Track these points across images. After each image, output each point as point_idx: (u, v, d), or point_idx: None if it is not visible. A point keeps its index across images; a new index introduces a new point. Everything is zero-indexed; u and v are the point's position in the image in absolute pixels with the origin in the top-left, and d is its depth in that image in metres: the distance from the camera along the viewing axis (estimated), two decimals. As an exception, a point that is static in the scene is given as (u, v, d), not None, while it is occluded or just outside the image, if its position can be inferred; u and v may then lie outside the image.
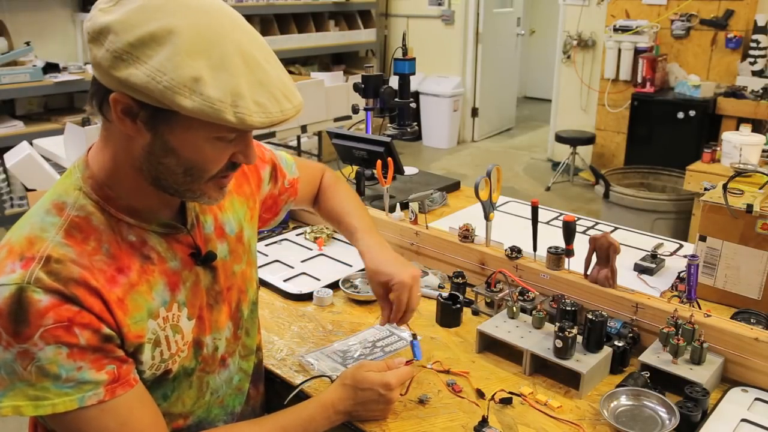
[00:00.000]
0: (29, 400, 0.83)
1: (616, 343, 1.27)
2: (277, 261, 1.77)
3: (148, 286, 0.92)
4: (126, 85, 0.79)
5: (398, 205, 1.85)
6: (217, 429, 1.06)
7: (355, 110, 2.25)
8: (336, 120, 4.51)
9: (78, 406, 0.84)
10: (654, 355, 1.23)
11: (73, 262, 0.84)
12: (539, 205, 1.53)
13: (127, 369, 0.89)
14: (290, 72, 4.71)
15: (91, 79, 0.86)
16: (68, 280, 0.83)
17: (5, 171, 4.41)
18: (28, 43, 4.50)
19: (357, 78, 2.33)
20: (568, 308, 1.32)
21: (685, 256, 1.66)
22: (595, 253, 1.38)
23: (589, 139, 5.47)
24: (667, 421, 1.09)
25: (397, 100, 2.25)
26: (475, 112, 7.01)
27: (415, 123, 2.31)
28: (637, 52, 4.94)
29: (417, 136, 2.33)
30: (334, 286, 1.59)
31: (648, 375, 1.20)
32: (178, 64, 0.77)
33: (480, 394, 1.20)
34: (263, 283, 1.61)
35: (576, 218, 1.69)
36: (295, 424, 1.05)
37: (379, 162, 1.78)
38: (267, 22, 5.98)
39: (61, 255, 0.84)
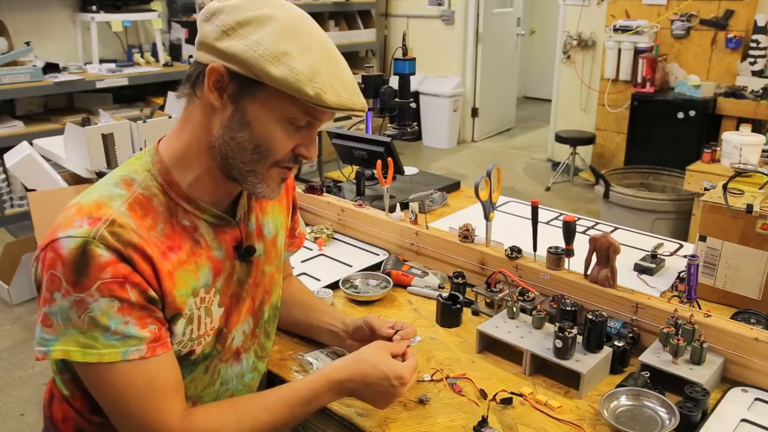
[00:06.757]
0: (79, 347, 0.90)
1: (616, 343, 1.27)
2: (277, 261, 1.76)
3: (195, 266, 1.01)
4: (225, 54, 0.91)
5: (398, 205, 1.85)
6: (224, 401, 1.07)
7: (355, 110, 2.25)
8: (336, 120, 4.51)
9: (121, 359, 0.91)
10: (654, 355, 1.23)
11: (133, 231, 0.93)
12: (539, 205, 1.53)
13: (166, 332, 0.96)
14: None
15: (191, 64, 0.99)
16: (127, 243, 0.91)
17: (5, 171, 4.41)
18: (28, 43, 4.50)
19: (357, 78, 2.32)
20: (568, 308, 1.32)
21: (685, 256, 1.66)
22: (595, 253, 1.38)
23: (589, 139, 5.47)
24: (667, 421, 1.09)
25: (397, 100, 2.25)
26: (475, 112, 7.01)
27: (415, 123, 2.31)
28: (637, 52, 4.94)
29: (417, 136, 2.33)
30: (334, 286, 1.59)
31: (648, 375, 1.20)
32: (272, 40, 0.91)
33: (480, 394, 1.20)
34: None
35: (576, 218, 1.69)
36: (301, 401, 1.05)
37: (379, 162, 1.78)
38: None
39: (124, 222, 0.93)
